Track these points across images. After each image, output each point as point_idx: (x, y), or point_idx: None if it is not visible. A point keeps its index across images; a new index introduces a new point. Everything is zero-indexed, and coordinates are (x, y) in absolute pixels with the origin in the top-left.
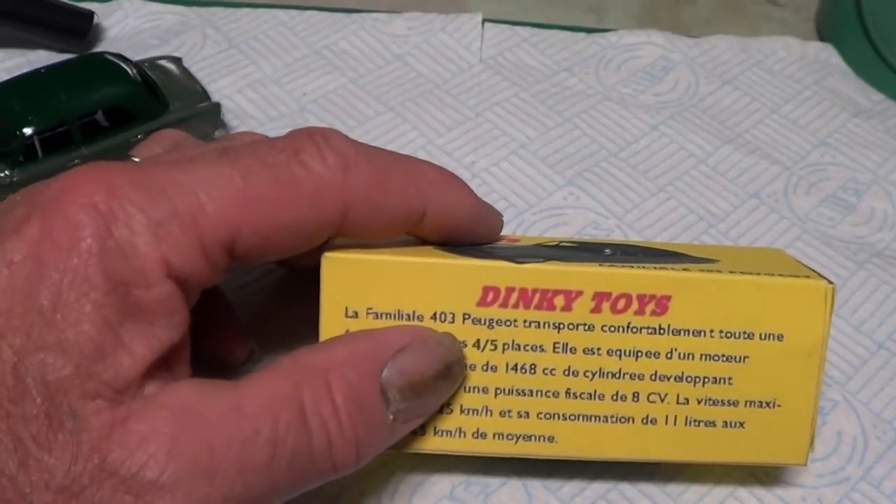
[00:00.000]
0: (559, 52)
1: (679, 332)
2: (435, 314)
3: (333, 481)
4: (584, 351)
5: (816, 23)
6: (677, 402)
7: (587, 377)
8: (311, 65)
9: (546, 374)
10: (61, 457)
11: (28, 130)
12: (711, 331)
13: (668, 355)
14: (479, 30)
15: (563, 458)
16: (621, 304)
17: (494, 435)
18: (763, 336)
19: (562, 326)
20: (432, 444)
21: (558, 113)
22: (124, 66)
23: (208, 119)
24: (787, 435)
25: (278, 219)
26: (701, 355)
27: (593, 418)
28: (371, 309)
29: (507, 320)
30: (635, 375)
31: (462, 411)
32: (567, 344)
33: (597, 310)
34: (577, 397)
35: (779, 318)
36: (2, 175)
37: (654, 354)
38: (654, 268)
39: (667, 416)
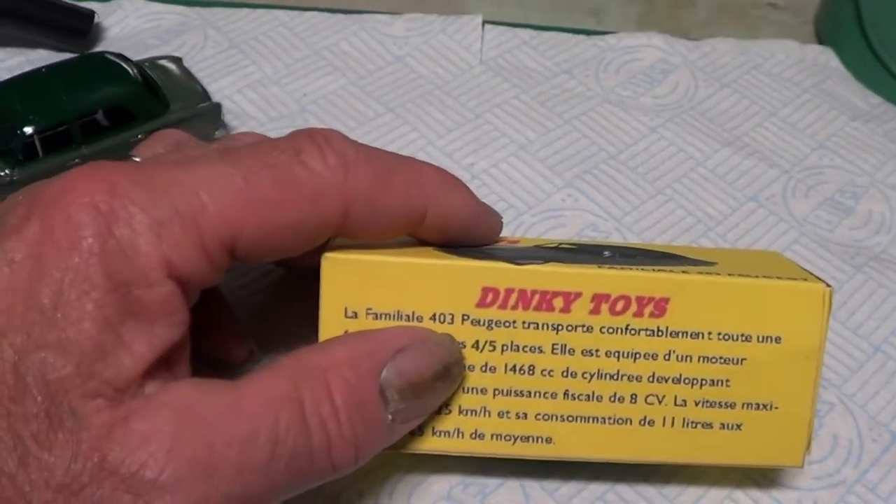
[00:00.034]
0: (559, 55)
1: (677, 334)
2: (434, 315)
3: (332, 481)
4: (582, 352)
5: (815, 26)
6: (675, 404)
7: (585, 378)
8: (311, 65)
9: (544, 376)
10: (61, 455)
11: (28, 129)
12: (709, 333)
13: (667, 357)
14: (479, 31)
15: (560, 459)
16: (620, 305)
17: (492, 436)
18: (761, 339)
19: (560, 328)
20: (430, 444)
21: (558, 115)
22: (125, 65)
23: (209, 119)
24: (783, 437)
25: (279, 219)
26: (699, 357)
27: (591, 419)
28: (370, 309)
29: (506, 321)
30: (633, 377)
31: (460, 412)
32: (566, 345)
33: (595, 311)
34: (575, 398)
35: (776, 321)
36: (2, 174)
37: (653, 356)
38: (653, 270)
39: (664, 418)
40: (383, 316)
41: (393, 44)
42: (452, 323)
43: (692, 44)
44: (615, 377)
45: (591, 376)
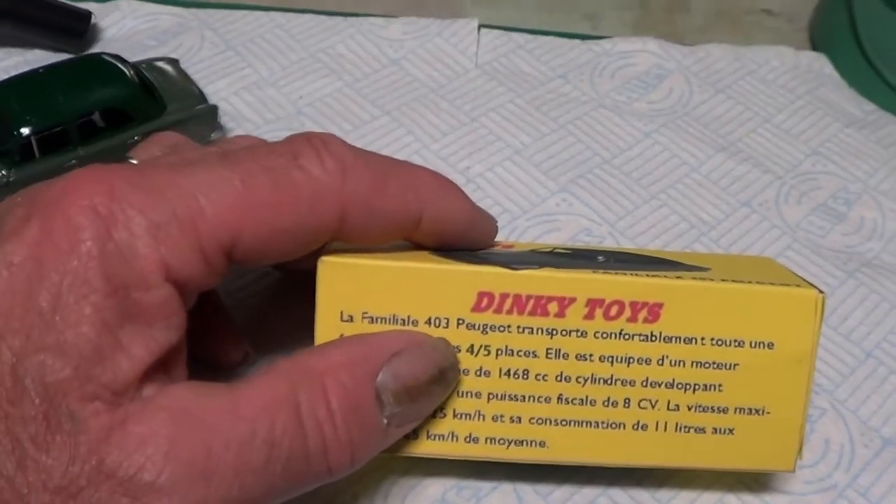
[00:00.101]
0: (554, 59)
1: (671, 339)
2: (430, 319)
3: (328, 484)
4: (576, 357)
5: (810, 32)
6: (668, 409)
7: (579, 383)
8: (307, 68)
9: (538, 380)
10: (59, 458)
11: (25, 130)
12: (702, 338)
13: (660, 362)
14: (474, 35)
15: (554, 463)
16: (614, 310)
17: (487, 439)
18: (753, 344)
19: (555, 332)
20: (425, 447)
21: (553, 119)
22: (122, 67)
23: (205, 121)
24: (775, 442)
25: (277, 223)
26: (692, 362)
27: (585, 424)
28: (366, 313)
29: (501, 326)
30: (627, 382)
31: (455, 416)
32: (560, 350)
33: (590, 316)
34: (568, 403)
35: (769, 327)
36: None
37: (646, 361)
38: (647, 275)
39: (657, 423)
40: (379, 320)
41: (389, 47)
42: (448, 327)
43: (687, 49)
44: (609, 382)
45: (585, 381)
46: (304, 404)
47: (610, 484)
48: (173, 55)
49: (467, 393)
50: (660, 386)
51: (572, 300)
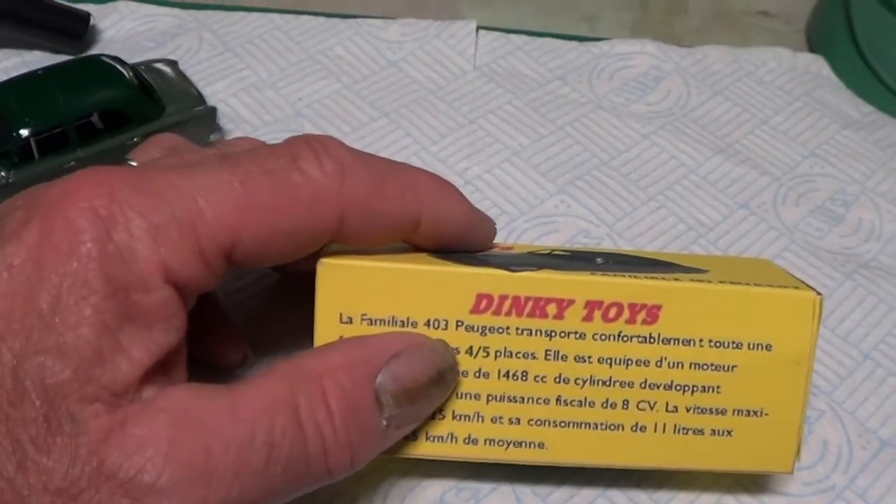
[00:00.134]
0: (552, 61)
1: (669, 340)
2: (429, 321)
3: (327, 485)
4: (575, 359)
5: (807, 34)
6: (666, 410)
7: (578, 385)
8: (306, 69)
9: (537, 382)
10: (59, 459)
11: (25, 132)
12: (701, 340)
13: (658, 364)
14: (473, 37)
15: (553, 464)
16: (612, 312)
17: (485, 441)
18: (751, 346)
19: (554, 334)
20: (424, 449)
21: (551, 121)
22: (121, 68)
23: (204, 123)
24: (773, 443)
25: (276, 225)
26: (690, 364)
27: (583, 425)
28: (365, 315)
29: (500, 328)
30: (625, 383)
31: (454, 417)
32: (558, 352)
33: (588, 318)
34: (567, 404)
35: (767, 329)
36: None
37: (645, 363)
38: (645, 277)
39: (656, 424)
40: (378, 321)
41: (387, 48)
42: (447, 329)
43: (685, 51)
44: (607, 383)
45: (584, 382)
46: (303, 406)
47: (608, 485)
48: (172, 57)
49: (466, 394)
50: (658, 387)
51: (571, 302)
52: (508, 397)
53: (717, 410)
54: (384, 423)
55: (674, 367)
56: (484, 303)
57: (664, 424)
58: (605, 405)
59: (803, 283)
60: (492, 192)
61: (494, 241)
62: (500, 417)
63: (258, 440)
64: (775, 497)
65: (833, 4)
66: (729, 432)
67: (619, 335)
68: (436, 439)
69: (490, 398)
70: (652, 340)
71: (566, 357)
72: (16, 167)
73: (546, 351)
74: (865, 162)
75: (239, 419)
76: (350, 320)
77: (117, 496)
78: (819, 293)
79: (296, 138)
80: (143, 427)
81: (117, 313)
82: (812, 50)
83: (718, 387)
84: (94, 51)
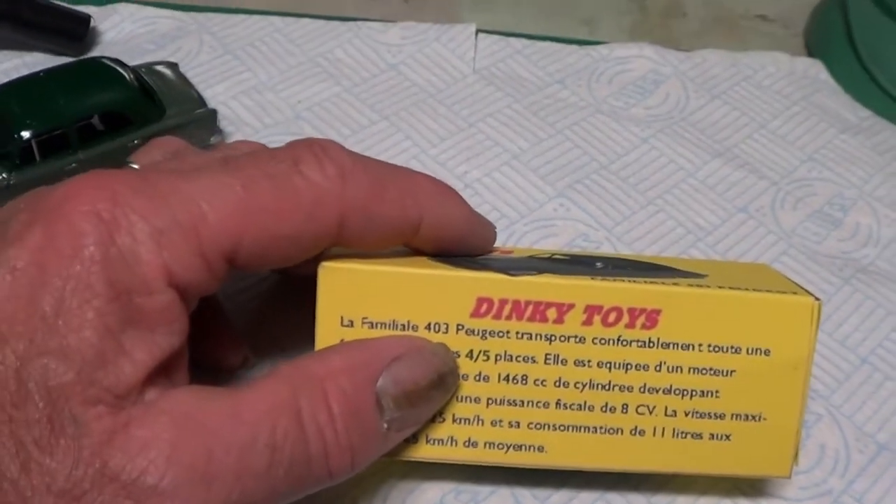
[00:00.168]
0: (552, 64)
1: (668, 345)
2: (429, 324)
3: (327, 488)
4: (574, 363)
5: (805, 38)
6: (665, 415)
7: (577, 388)
8: (306, 72)
9: (537, 385)
10: (63, 461)
11: (26, 134)
12: (700, 345)
13: (658, 368)
14: (472, 40)
15: (552, 467)
16: (612, 317)
17: (485, 444)
18: (750, 351)
19: (553, 338)
20: (424, 452)
21: (550, 125)
22: (121, 70)
23: (205, 125)
24: (771, 448)
25: (278, 229)
26: (689, 368)
27: (583, 429)
28: (366, 318)
29: (500, 331)
30: (625, 387)
31: (454, 420)
32: (558, 356)
33: (588, 322)
34: (567, 408)
35: (766, 334)
36: None
37: (644, 367)
38: (645, 282)
39: (655, 428)
40: (379, 325)
41: (387, 51)
42: (447, 332)
43: (683, 55)
44: (607, 387)
45: (583, 386)
46: (305, 409)
47: (607, 488)
48: (172, 59)
49: (466, 398)
50: (657, 392)
51: (571, 306)
52: (508, 401)
53: (715, 415)
54: (385, 426)
55: (673, 371)
56: (484, 307)
57: (663, 428)
58: (604, 409)
59: (802, 288)
60: (491, 195)
61: (494, 245)
62: (500, 421)
63: (260, 443)
64: (773, 501)
65: (831, 9)
66: (727, 436)
67: (618, 339)
68: (436, 442)
69: (490, 401)
70: (651, 345)
71: (566, 361)
72: (17, 169)
73: (546, 355)
74: (863, 166)
75: (241, 422)
76: (351, 323)
77: (120, 498)
78: (817, 299)
79: (297, 142)
80: (145, 429)
81: (120, 316)
82: (810, 54)
83: (717, 391)
84: (95, 53)
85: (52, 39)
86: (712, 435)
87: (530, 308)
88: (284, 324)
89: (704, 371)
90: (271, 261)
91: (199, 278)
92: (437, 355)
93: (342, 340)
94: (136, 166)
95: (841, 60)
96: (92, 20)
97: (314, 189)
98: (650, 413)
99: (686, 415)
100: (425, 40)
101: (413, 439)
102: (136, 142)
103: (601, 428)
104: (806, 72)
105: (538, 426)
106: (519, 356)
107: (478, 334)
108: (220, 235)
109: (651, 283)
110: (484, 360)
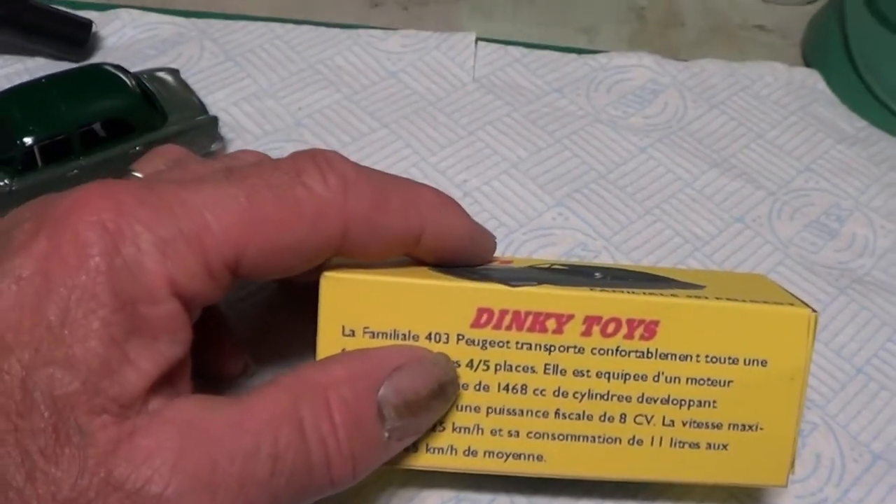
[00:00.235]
0: (550, 73)
1: (666, 356)
2: (430, 334)
3: (328, 496)
4: (573, 373)
5: (802, 48)
6: (663, 424)
7: (576, 398)
8: (306, 79)
9: (536, 395)
10: (68, 470)
11: (28, 139)
12: (698, 355)
13: (656, 378)
14: (472, 49)
15: (551, 476)
16: (611, 327)
17: (485, 453)
18: (747, 361)
19: (553, 348)
20: (424, 460)
21: (549, 133)
22: (124, 77)
23: (206, 132)
24: (768, 457)
25: (281, 239)
26: (687, 379)
27: (581, 438)
28: (368, 328)
29: (500, 342)
30: (623, 397)
31: (454, 429)
32: (557, 366)
33: (587, 333)
34: (566, 418)
35: (763, 345)
36: (1, 184)
37: (642, 377)
38: (644, 293)
39: (653, 438)
40: (380, 335)
41: (387, 59)
42: (448, 342)
43: (682, 64)
44: (605, 397)
45: (582, 396)
46: (307, 419)
47: (605, 497)
48: (173, 65)
49: (466, 407)
50: (655, 402)
51: (570, 317)
52: (508, 410)
53: (713, 424)
54: (386, 435)
55: (671, 381)
56: (485, 317)
57: (661, 438)
58: (602, 419)
59: (798, 299)
60: (490, 204)
61: (494, 255)
62: (500, 430)
63: (263, 452)
64: None
65: (828, 19)
66: (724, 446)
67: (617, 350)
68: (436, 451)
69: (490, 411)
70: (649, 355)
71: (565, 371)
72: (19, 175)
73: (545, 365)
74: (859, 177)
75: (244, 431)
76: (352, 333)
77: None
78: (814, 310)
79: (300, 153)
80: (150, 438)
81: (125, 326)
82: (807, 64)
83: (715, 401)
84: (96, 58)
85: (53, 44)
86: (710, 444)
87: (530, 318)
88: (285, 332)
89: (702, 381)
90: (274, 271)
91: (203, 288)
92: (437, 365)
93: (343, 349)
94: (138, 175)
95: (838, 71)
96: (93, 25)
97: (317, 200)
98: (648, 423)
99: (684, 424)
100: (425, 48)
101: (413, 448)
102: (137, 148)
103: (600, 437)
104: (803, 82)
105: (537, 435)
106: (518, 366)
107: (478, 344)
108: (223, 246)
109: (650, 294)
110: (484, 370)
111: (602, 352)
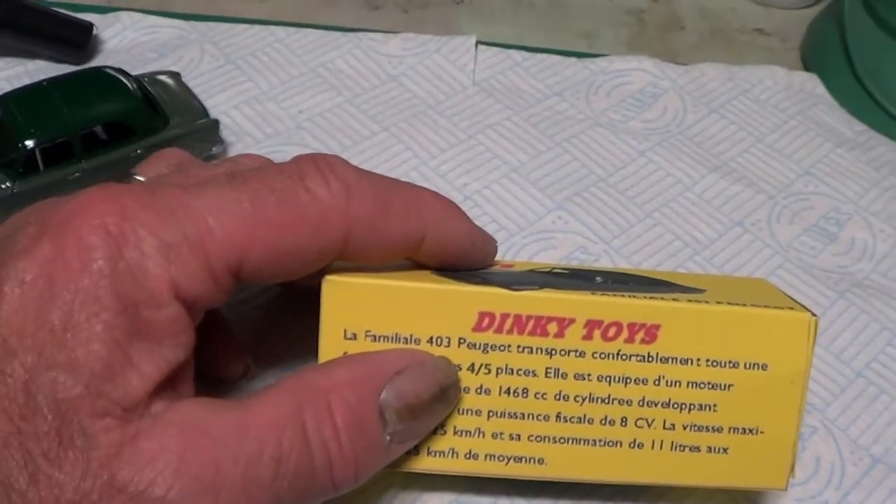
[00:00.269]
0: (551, 77)
1: (667, 360)
2: (432, 338)
3: (331, 499)
4: (575, 376)
5: (802, 52)
6: (664, 428)
7: (577, 402)
8: (307, 83)
9: (538, 399)
10: (71, 473)
11: (30, 142)
12: (698, 359)
13: (656, 382)
14: (472, 52)
15: (552, 479)
16: (612, 331)
17: (486, 456)
18: (748, 365)
19: (554, 352)
20: (426, 463)
21: (549, 137)
22: (125, 80)
23: (207, 135)
24: (768, 461)
25: (284, 244)
26: (688, 383)
27: (582, 441)
28: (369, 332)
29: (502, 345)
30: (624, 401)
31: (455, 432)
32: (559, 369)
33: (588, 337)
34: (567, 421)
35: (763, 349)
36: (3, 186)
37: (643, 381)
38: (644, 297)
39: (653, 441)
40: (382, 338)
41: (388, 63)
42: (449, 346)
43: (681, 68)
44: (606, 401)
45: (583, 400)
46: (309, 422)
47: (606, 500)
48: (174, 68)
49: (468, 410)
50: (656, 405)
51: (571, 321)
52: (509, 413)
53: (713, 428)
54: (388, 438)
55: (672, 385)
56: (486, 321)
57: (661, 441)
58: (603, 422)
59: (798, 303)
60: (491, 207)
61: (495, 259)
62: (501, 433)
63: (266, 455)
64: None
65: (828, 23)
66: (725, 449)
67: (618, 354)
68: (437, 454)
69: (491, 414)
70: (650, 359)
71: (566, 375)
72: (21, 177)
73: (546, 368)
74: (859, 181)
75: (247, 434)
76: (354, 336)
77: None
78: (814, 314)
79: (303, 157)
80: (153, 441)
81: (128, 329)
82: (807, 68)
83: (715, 405)
84: (97, 61)
85: (54, 47)
86: (710, 448)
87: (531, 322)
88: (286, 335)
89: (703, 385)
90: (277, 275)
91: (206, 292)
92: (439, 369)
93: (345, 353)
94: (141, 178)
95: (837, 75)
96: (94, 28)
97: (319, 204)
98: (649, 426)
99: (684, 428)
100: (426, 52)
101: (415, 451)
102: (139, 151)
103: (600, 441)
104: (802, 86)
105: (538, 439)
106: (520, 370)
107: (479, 348)
108: (226, 250)
109: (650, 298)
110: (485, 374)
111: (603, 355)
